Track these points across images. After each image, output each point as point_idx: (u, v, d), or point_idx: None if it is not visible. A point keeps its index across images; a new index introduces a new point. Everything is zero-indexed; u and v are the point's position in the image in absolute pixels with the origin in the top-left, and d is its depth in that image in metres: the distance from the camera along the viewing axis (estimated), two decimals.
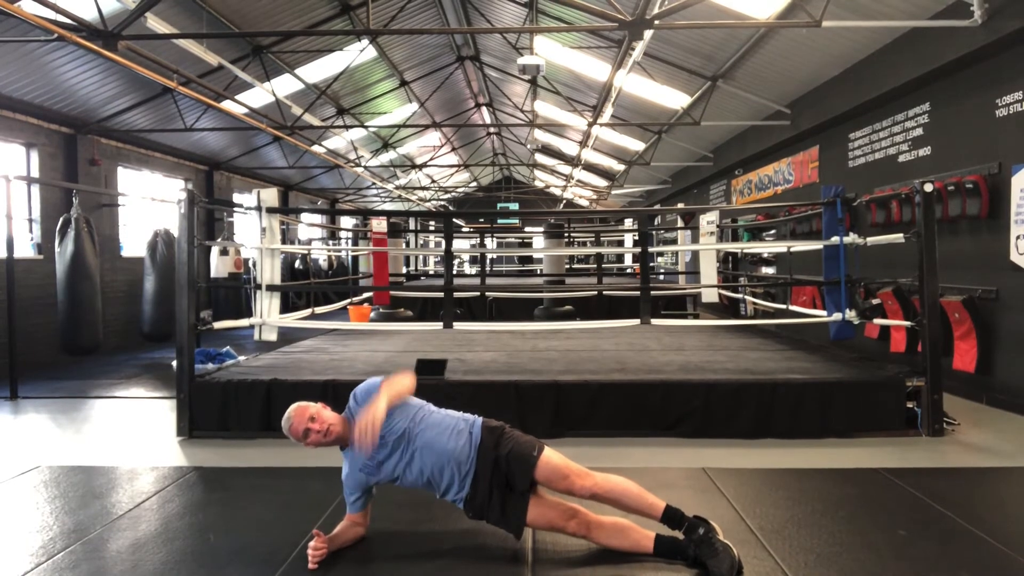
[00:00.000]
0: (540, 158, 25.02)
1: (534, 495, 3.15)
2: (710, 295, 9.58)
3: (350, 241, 19.87)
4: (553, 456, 3.15)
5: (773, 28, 8.50)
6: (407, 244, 19.65)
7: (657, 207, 20.02)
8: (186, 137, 13.02)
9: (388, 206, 28.22)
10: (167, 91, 10.41)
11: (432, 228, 19.29)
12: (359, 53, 12.28)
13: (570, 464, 3.16)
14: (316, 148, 16.23)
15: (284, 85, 12.55)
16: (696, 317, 12.09)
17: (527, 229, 25.47)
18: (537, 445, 3.17)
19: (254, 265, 8.51)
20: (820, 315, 6.69)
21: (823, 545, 3.32)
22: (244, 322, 6.54)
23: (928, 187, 5.51)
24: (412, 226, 17.27)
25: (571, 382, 5.55)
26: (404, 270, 15.03)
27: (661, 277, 16.56)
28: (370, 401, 3.09)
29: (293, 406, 3.24)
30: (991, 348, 6.63)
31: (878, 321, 6.98)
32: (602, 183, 24.32)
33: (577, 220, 22.51)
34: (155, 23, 7.76)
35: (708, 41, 9.89)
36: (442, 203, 31.72)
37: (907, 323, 6.65)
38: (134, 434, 5.88)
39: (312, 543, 3.11)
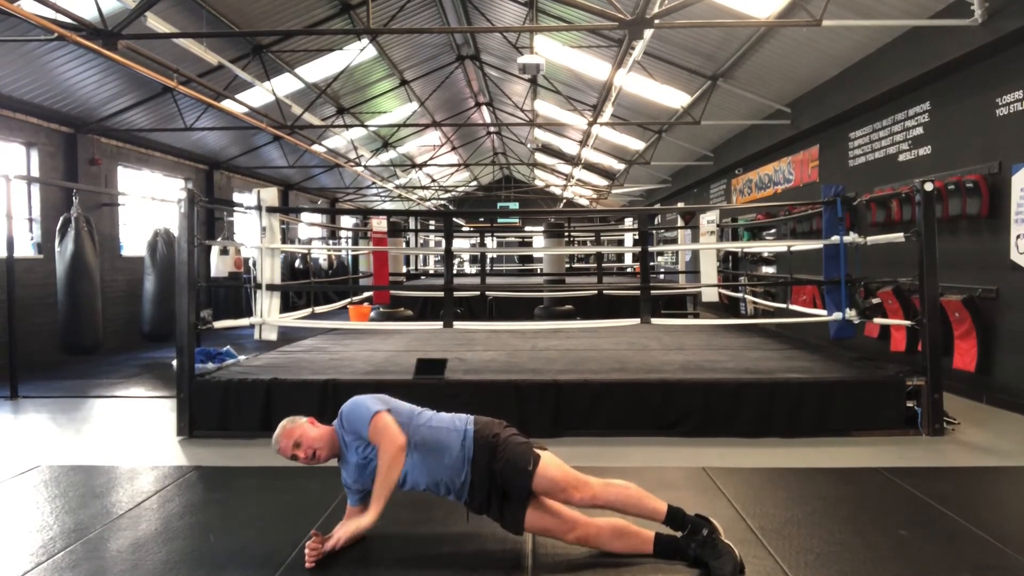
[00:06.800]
0: (540, 157, 25.01)
1: (534, 500, 3.10)
2: (710, 294, 9.58)
3: (350, 240, 19.86)
4: (550, 468, 3.05)
5: (773, 27, 8.49)
6: (407, 243, 19.70)
7: (657, 206, 20.03)
8: (186, 136, 13.02)
9: (388, 205, 28.21)
10: (167, 90, 10.41)
11: (432, 227, 19.28)
12: (359, 52, 12.27)
13: (568, 475, 3.07)
14: (316, 147, 16.23)
15: (284, 84, 12.55)
16: (696, 316, 12.10)
17: (527, 228, 25.48)
18: (532, 457, 3.05)
19: (254, 264, 8.51)
20: (820, 314, 6.69)
21: (823, 545, 3.32)
22: (244, 321, 6.54)
23: (928, 186, 5.51)
24: (412, 225, 17.27)
25: (571, 381, 5.55)
26: (404, 269, 15.03)
27: (661, 276, 16.55)
28: (356, 516, 3.05)
29: (280, 427, 3.17)
30: (991, 347, 6.62)
31: (878, 320, 6.98)
32: (602, 182, 24.31)
33: (577, 219, 22.48)
34: (155, 22, 7.75)
35: (708, 40, 9.88)
36: (442, 202, 31.72)
37: (907, 322, 6.65)
38: (134, 434, 5.88)
39: (309, 543, 3.11)
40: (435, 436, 3.14)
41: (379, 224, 10.69)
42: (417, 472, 3.12)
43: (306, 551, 3.09)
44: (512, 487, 3.07)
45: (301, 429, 3.15)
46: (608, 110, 12.42)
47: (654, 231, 15.47)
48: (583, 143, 17.69)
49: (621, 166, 19.91)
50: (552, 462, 3.08)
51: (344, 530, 3.11)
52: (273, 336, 6.35)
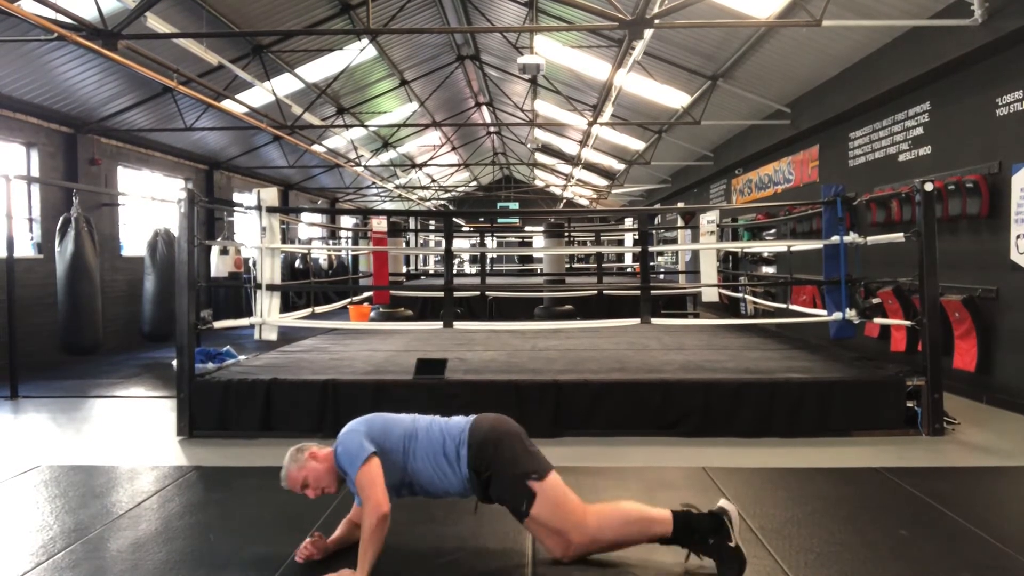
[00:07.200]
0: (540, 157, 25.01)
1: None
2: (710, 294, 9.58)
3: (350, 240, 19.87)
4: (544, 511, 2.92)
5: (773, 27, 8.49)
6: (407, 243, 19.70)
7: (657, 206, 20.03)
8: (186, 136, 13.02)
9: (388, 205, 28.22)
10: (167, 90, 10.41)
11: (432, 227, 19.29)
12: (359, 52, 12.27)
13: (564, 519, 2.93)
14: (316, 147, 16.23)
15: (284, 84, 12.55)
16: (696, 316, 12.10)
17: (527, 228, 25.48)
18: (526, 501, 2.92)
19: (254, 264, 8.51)
20: (820, 314, 6.69)
21: (823, 545, 3.32)
22: (244, 321, 6.54)
23: (928, 186, 5.51)
24: (412, 225, 17.27)
25: (571, 381, 5.55)
26: (404, 269, 15.03)
27: (661, 276, 16.55)
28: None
29: (286, 466, 3.07)
30: (991, 347, 6.62)
31: (878, 320, 6.98)
32: (602, 182, 24.31)
33: (577, 219, 22.48)
34: (155, 23, 7.75)
35: (708, 40, 9.88)
36: (442, 202, 31.72)
37: (907, 322, 6.65)
38: (134, 434, 5.88)
39: (306, 542, 3.13)
40: (429, 470, 3.07)
41: (379, 224, 10.70)
42: (420, 488, 3.12)
43: (301, 547, 3.10)
44: (511, 510, 3.06)
45: (307, 468, 3.04)
46: (608, 110, 12.42)
47: (654, 231, 15.47)
48: (583, 143, 17.69)
49: (621, 166, 19.91)
50: (547, 505, 2.93)
51: None
52: (273, 336, 6.35)
